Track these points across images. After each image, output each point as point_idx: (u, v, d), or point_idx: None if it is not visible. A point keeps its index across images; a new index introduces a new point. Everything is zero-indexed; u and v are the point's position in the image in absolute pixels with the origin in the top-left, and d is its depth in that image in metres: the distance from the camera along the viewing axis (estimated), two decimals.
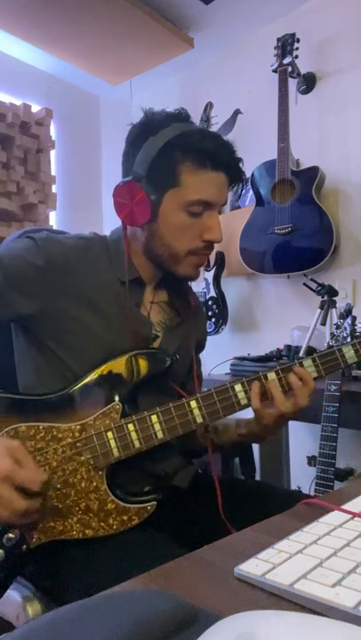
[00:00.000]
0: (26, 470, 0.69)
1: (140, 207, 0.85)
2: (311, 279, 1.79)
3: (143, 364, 0.84)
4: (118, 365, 0.83)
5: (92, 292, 0.86)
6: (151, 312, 0.94)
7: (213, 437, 0.99)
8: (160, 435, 0.81)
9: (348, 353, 0.88)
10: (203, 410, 0.83)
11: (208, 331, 2.00)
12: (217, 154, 0.85)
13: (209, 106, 2.52)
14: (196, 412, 0.83)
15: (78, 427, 0.79)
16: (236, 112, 2.52)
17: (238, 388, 0.85)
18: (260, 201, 2.19)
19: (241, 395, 0.85)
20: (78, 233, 0.97)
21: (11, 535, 0.73)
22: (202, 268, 2.39)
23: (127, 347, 0.85)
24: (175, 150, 0.84)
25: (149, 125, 0.86)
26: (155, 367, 0.85)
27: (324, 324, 1.70)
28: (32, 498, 0.70)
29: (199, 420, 0.83)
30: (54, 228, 2.75)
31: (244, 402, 0.85)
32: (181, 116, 0.88)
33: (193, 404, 0.83)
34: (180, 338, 0.96)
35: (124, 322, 0.87)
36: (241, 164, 0.90)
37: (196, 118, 2.49)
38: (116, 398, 0.82)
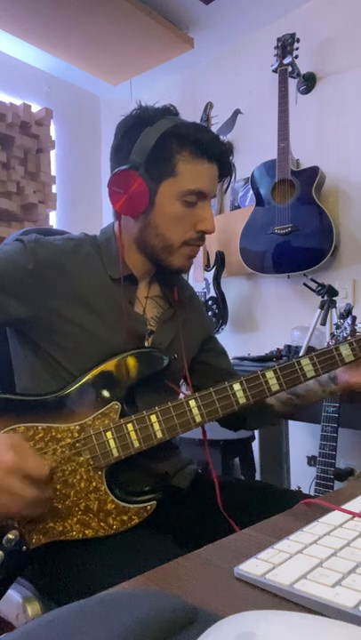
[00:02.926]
0: (31, 460, 0.69)
1: (137, 195, 0.85)
2: (311, 279, 1.79)
3: (141, 364, 0.84)
4: (116, 365, 0.83)
5: (85, 292, 0.86)
6: (147, 307, 0.94)
7: (298, 402, 1.01)
8: (159, 434, 0.81)
9: (346, 351, 0.89)
10: (202, 409, 0.83)
11: None
12: (212, 146, 0.87)
13: (209, 106, 2.52)
14: (195, 411, 0.83)
15: (77, 427, 0.79)
16: (236, 112, 2.52)
17: (237, 386, 0.85)
18: (260, 201, 2.19)
19: (240, 393, 0.85)
20: (68, 234, 0.97)
21: (10, 536, 0.73)
22: (201, 267, 2.40)
23: (122, 345, 0.85)
24: (173, 140, 0.85)
25: (143, 117, 0.87)
26: (152, 366, 0.85)
27: (324, 324, 1.70)
28: (40, 486, 0.70)
29: (198, 419, 0.83)
30: (54, 227, 2.75)
31: (242, 401, 0.85)
32: (171, 111, 0.90)
33: (192, 403, 0.83)
34: (174, 330, 0.96)
35: (117, 320, 0.87)
36: (231, 157, 0.92)
37: (196, 118, 2.50)
38: (115, 398, 0.82)
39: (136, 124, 0.87)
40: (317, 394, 0.99)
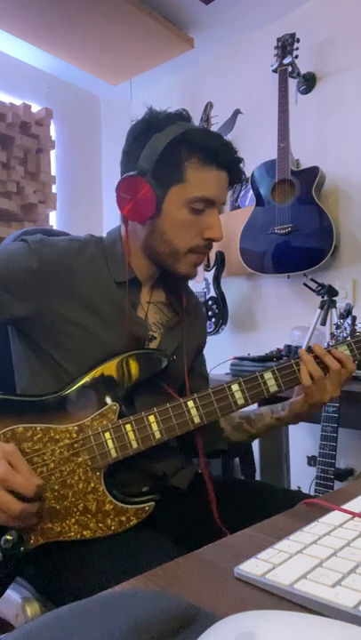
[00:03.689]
0: (20, 475, 0.70)
1: (144, 202, 0.85)
2: (311, 279, 1.79)
3: (140, 365, 0.84)
4: (115, 366, 0.83)
5: (88, 294, 0.86)
6: (148, 312, 0.94)
7: (248, 428, 1.00)
8: (158, 435, 0.81)
9: (345, 352, 0.89)
10: (200, 410, 0.83)
11: (208, 331, 2.00)
12: (221, 153, 0.86)
13: (209, 106, 2.52)
14: (194, 411, 0.82)
15: (76, 428, 0.79)
16: (236, 112, 2.52)
17: (235, 387, 0.85)
18: (260, 201, 2.19)
19: (238, 394, 0.85)
20: (74, 235, 0.97)
21: (8, 537, 0.73)
22: (201, 268, 2.40)
23: (123, 348, 0.85)
24: (182, 147, 0.85)
25: (154, 122, 0.87)
26: (151, 368, 0.85)
27: (324, 324, 1.70)
28: (28, 501, 0.70)
29: (197, 420, 0.82)
30: (54, 228, 2.75)
31: (241, 402, 0.85)
32: (183, 116, 0.89)
33: (190, 404, 0.83)
34: (179, 338, 0.96)
35: (119, 323, 0.87)
36: (242, 165, 0.91)
37: (196, 118, 2.49)
38: (113, 399, 0.82)
39: (146, 129, 0.87)
40: (265, 419, 0.98)
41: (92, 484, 0.78)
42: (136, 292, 0.92)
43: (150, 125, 0.87)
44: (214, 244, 0.93)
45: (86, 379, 0.82)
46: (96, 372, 0.83)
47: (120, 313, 0.87)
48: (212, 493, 0.87)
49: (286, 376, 0.87)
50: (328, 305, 1.70)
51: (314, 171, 2.06)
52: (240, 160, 0.91)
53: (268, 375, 0.86)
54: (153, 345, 0.92)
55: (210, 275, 2.40)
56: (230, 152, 0.88)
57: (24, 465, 0.72)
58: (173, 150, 0.85)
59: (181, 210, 0.86)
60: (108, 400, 0.81)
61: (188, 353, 0.98)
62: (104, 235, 0.97)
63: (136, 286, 0.92)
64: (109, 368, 0.83)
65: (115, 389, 0.82)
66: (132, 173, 0.85)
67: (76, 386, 0.82)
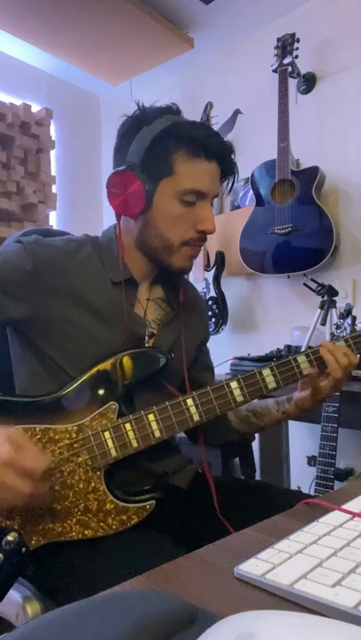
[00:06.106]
0: (29, 455, 0.69)
1: (134, 196, 0.85)
2: (311, 279, 1.79)
3: (137, 364, 0.84)
4: (113, 365, 0.83)
5: (85, 294, 0.86)
6: (148, 310, 0.94)
7: (255, 421, 1.00)
8: (157, 434, 0.81)
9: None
10: (199, 407, 0.83)
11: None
12: (210, 144, 0.86)
13: (209, 106, 2.52)
14: (193, 409, 0.83)
15: (75, 428, 0.79)
16: (236, 112, 2.52)
17: (234, 385, 0.85)
18: (260, 201, 2.19)
19: (237, 392, 0.85)
20: (71, 235, 0.97)
21: (10, 538, 0.73)
22: (201, 267, 2.40)
23: (121, 347, 0.85)
24: (170, 139, 0.84)
25: (142, 117, 0.86)
26: (149, 366, 0.85)
27: (324, 324, 1.70)
28: (37, 482, 0.70)
29: (196, 417, 0.83)
30: (54, 228, 2.75)
31: (240, 399, 0.85)
32: (172, 110, 0.89)
33: (189, 401, 0.83)
34: (176, 332, 0.96)
35: (117, 322, 0.87)
36: (233, 156, 0.91)
37: (196, 118, 2.49)
38: (112, 398, 0.82)
39: (135, 124, 0.87)
40: (272, 412, 0.99)
41: (93, 484, 0.78)
42: (133, 291, 0.92)
43: (139, 120, 0.86)
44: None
45: (84, 378, 0.82)
46: (94, 372, 0.83)
47: (118, 312, 0.87)
48: (213, 488, 0.87)
49: (285, 373, 0.87)
50: (328, 305, 1.70)
51: (314, 171, 2.06)
52: (231, 150, 0.90)
53: (266, 372, 0.86)
54: (152, 342, 0.92)
55: (210, 275, 2.40)
56: (219, 142, 0.87)
57: (31, 445, 0.71)
58: (162, 143, 0.84)
59: (172, 202, 0.86)
60: (107, 399, 0.82)
61: (188, 346, 0.98)
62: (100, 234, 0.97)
63: (132, 285, 0.92)
64: (107, 367, 0.83)
65: (113, 388, 0.82)
66: (121, 168, 0.85)
67: (75, 386, 0.82)
